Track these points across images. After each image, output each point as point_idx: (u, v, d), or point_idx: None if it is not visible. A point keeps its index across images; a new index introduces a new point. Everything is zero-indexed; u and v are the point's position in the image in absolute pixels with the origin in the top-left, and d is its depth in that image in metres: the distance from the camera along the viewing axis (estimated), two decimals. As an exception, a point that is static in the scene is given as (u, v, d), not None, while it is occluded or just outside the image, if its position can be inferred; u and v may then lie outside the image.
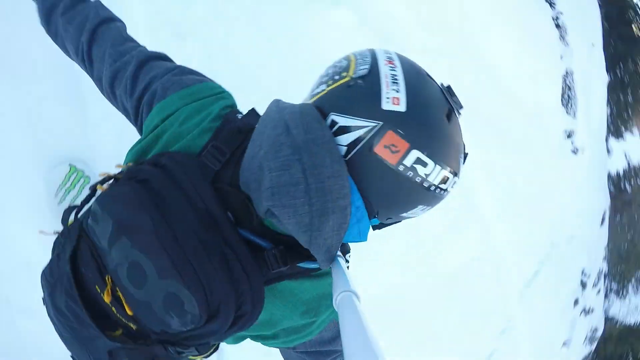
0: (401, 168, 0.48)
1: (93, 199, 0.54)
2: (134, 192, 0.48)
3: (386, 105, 0.47)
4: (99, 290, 0.52)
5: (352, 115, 0.48)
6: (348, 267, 0.56)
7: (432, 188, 0.50)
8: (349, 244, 0.73)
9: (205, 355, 0.58)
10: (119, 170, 0.57)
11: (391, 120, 0.47)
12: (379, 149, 0.47)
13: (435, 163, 0.49)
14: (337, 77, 0.52)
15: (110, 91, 0.65)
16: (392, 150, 0.47)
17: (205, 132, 0.55)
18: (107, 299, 0.51)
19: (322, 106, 0.51)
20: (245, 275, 0.48)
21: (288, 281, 0.56)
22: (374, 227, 0.62)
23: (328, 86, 0.52)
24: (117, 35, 0.66)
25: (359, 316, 0.39)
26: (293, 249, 0.52)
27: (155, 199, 0.47)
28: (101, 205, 0.50)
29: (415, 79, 0.51)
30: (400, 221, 0.59)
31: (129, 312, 0.51)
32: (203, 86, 0.60)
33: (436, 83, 0.54)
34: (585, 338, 4.69)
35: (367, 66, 0.50)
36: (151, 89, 0.59)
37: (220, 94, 0.61)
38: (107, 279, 0.52)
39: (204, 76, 0.64)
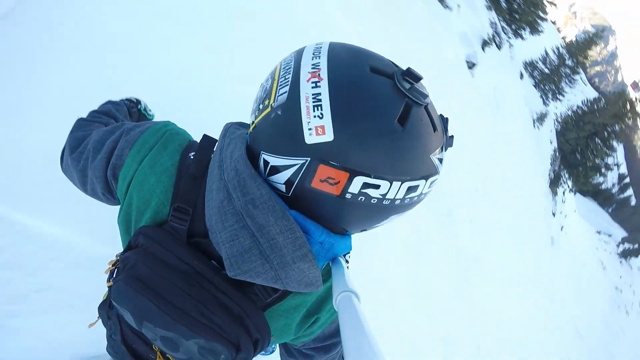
0: (349, 196, 0.43)
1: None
2: (129, 286, 0.52)
3: (309, 138, 0.41)
4: (152, 357, 0.63)
5: (279, 154, 0.44)
6: (348, 267, 0.56)
7: (397, 202, 0.45)
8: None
9: None
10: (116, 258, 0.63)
11: (319, 153, 0.41)
12: (316, 184, 0.43)
13: (390, 181, 0.42)
14: (261, 107, 0.47)
15: (91, 191, 0.68)
16: (330, 183, 0.42)
17: (166, 193, 0.56)
18: None
19: (253, 145, 0.49)
20: (243, 312, 0.52)
21: (288, 299, 0.58)
22: None
23: (256, 117, 0.48)
24: (77, 137, 0.68)
25: (358, 316, 0.39)
26: None
27: (147, 282, 0.52)
28: (115, 301, 0.55)
29: (344, 87, 0.41)
30: None
31: None
32: (146, 136, 0.60)
33: (381, 74, 0.43)
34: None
35: (286, 88, 0.44)
36: (110, 163, 0.60)
37: (164, 135, 0.60)
38: (154, 347, 0.62)
39: (145, 121, 0.65)
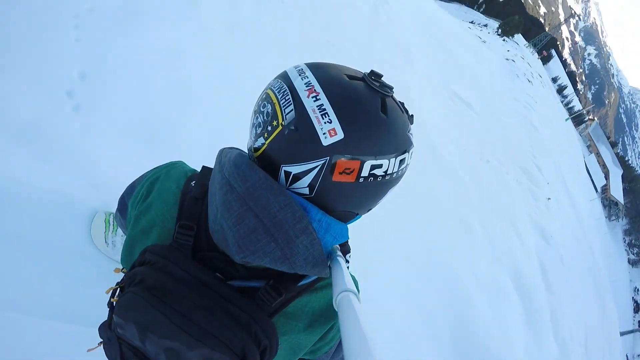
0: (362, 180, 0.52)
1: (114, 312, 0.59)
2: (138, 297, 0.54)
3: (325, 140, 0.49)
4: None
5: (300, 162, 0.50)
6: (348, 268, 0.57)
7: (395, 175, 0.55)
8: (349, 244, 0.75)
9: None
10: (120, 276, 0.63)
11: (335, 150, 0.49)
12: (337, 177, 0.50)
13: (389, 158, 0.52)
14: (269, 128, 0.52)
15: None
16: (347, 173, 0.50)
17: (171, 211, 0.63)
18: None
19: (271, 160, 0.53)
20: (250, 318, 0.53)
21: (295, 302, 0.60)
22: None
23: (265, 139, 0.53)
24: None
25: (358, 316, 0.40)
26: (286, 274, 0.57)
27: (155, 293, 0.53)
28: (120, 316, 0.56)
29: (338, 95, 0.50)
30: None
31: None
32: (155, 169, 0.73)
33: (356, 79, 0.52)
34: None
35: (291, 107, 0.50)
36: (122, 196, 0.83)
37: (169, 166, 0.72)
38: None
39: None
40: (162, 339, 0.53)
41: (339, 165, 0.49)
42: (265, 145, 0.53)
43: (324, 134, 0.48)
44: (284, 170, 0.52)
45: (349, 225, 0.60)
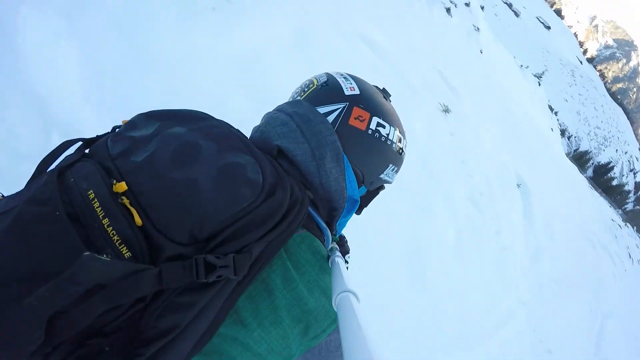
0: (369, 132, 0.65)
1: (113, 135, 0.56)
2: (171, 109, 0.57)
3: (347, 92, 0.67)
4: (113, 193, 0.45)
5: (329, 103, 0.66)
6: (347, 269, 0.56)
7: (394, 147, 0.69)
8: (348, 245, 0.80)
9: (241, 274, 0.46)
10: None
11: (353, 100, 0.66)
12: (352, 121, 0.65)
13: (390, 125, 0.68)
14: (306, 89, 0.70)
15: None
16: (360, 120, 0.65)
17: None
18: (118, 188, 0.45)
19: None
20: (285, 173, 0.54)
21: (308, 232, 0.59)
22: (362, 202, 0.74)
23: (301, 96, 0.70)
24: None
25: (357, 317, 0.40)
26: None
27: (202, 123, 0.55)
28: (147, 115, 0.56)
29: (358, 80, 0.71)
30: (381, 188, 0.75)
31: (139, 221, 0.44)
32: None
33: (375, 87, 0.74)
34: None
35: (325, 77, 0.71)
36: None
37: None
38: (113, 183, 0.46)
39: None
40: (193, 132, 0.51)
41: (355, 111, 0.65)
42: (303, 97, 0.69)
43: (346, 87, 0.67)
44: (311, 108, 0.65)
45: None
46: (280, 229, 0.49)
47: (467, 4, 10.62)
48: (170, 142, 0.49)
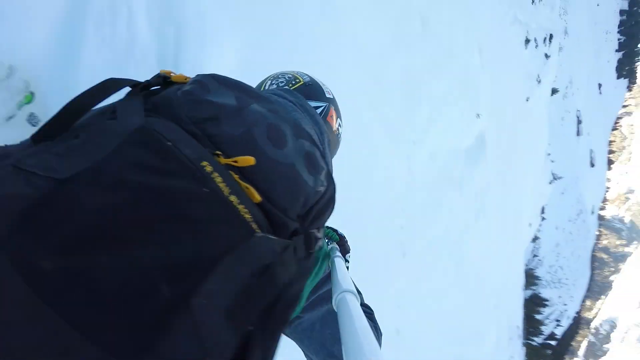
0: (334, 129, 0.83)
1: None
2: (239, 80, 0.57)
3: (327, 95, 0.83)
4: (209, 170, 0.40)
5: (316, 100, 0.79)
6: (348, 268, 0.57)
7: (339, 135, 0.88)
8: (348, 244, 0.85)
9: (315, 249, 0.50)
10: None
11: (331, 102, 0.83)
12: (329, 119, 0.81)
13: (341, 120, 0.88)
14: (293, 82, 0.81)
15: None
16: (332, 118, 0.82)
17: None
18: (235, 177, 0.42)
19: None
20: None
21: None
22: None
23: (290, 87, 0.79)
24: None
25: (358, 316, 0.40)
26: None
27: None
28: (215, 79, 0.52)
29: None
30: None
31: (257, 198, 0.43)
32: None
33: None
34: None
35: (307, 77, 0.84)
36: None
37: None
38: (231, 159, 0.43)
39: None
40: (271, 114, 0.53)
41: (331, 111, 0.82)
42: (292, 89, 0.78)
43: (326, 91, 0.84)
44: (298, 101, 0.73)
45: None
46: (328, 204, 0.54)
47: (546, 55, 9.54)
48: (260, 121, 0.49)
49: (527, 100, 8.95)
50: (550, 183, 15.22)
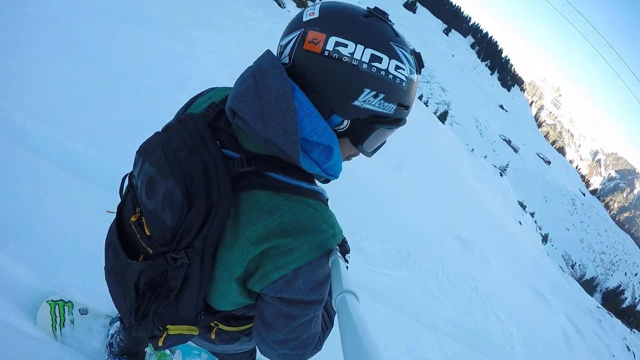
0: (326, 53, 0.61)
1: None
2: (155, 135, 0.71)
3: (305, 17, 0.64)
4: (132, 220, 0.73)
5: (288, 34, 0.65)
6: (347, 268, 0.55)
7: (364, 66, 0.61)
8: (348, 244, 0.87)
9: (194, 259, 0.66)
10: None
11: (309, 24, 0.63)
12: (307, 46, 0.62)
13: (357, 43, 0.60)
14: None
15: None
16: (314, 43, 0.61)
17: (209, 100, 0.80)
18: (134, 218, 0.73)
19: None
20: (215, 169, 0.62)
21: (257, 191, 0.64)
22: (354, 133, 0.69)
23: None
24: None
25: (357, 317, 0.41)
26: (268, 163, 0.66)
27: (166, 134, 0.69)
28: (138, 152, 0.72)
29: (329, 4, 0.66)
30: (378, 121, 0.67)
31: (147, 232, 0.69)
32: None
33: (360, 12, 0.65)
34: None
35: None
36: None
37: None
38: (137, 210, 0.74)
39: None
40: (146, 166, 0.67)
41: (309, 35, 0.62)
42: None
43: (306, 14, 0.65)
44: (280, 45, 0.68)
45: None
46: (207, 226, 0.62)
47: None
48: (143, 180, 0.68)
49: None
50: (501, 175, 15.21)
